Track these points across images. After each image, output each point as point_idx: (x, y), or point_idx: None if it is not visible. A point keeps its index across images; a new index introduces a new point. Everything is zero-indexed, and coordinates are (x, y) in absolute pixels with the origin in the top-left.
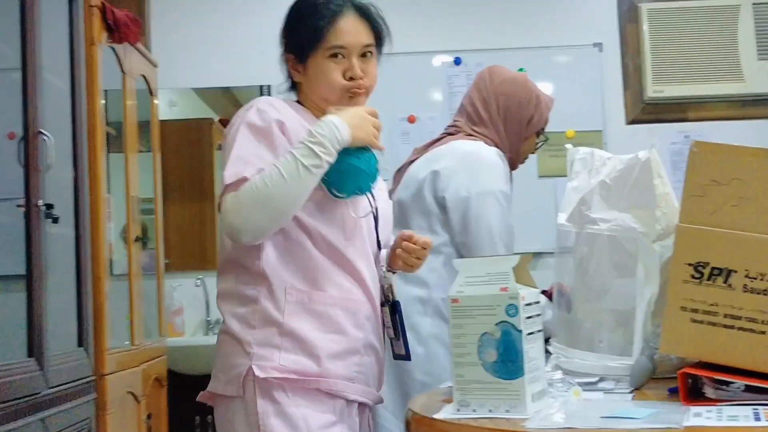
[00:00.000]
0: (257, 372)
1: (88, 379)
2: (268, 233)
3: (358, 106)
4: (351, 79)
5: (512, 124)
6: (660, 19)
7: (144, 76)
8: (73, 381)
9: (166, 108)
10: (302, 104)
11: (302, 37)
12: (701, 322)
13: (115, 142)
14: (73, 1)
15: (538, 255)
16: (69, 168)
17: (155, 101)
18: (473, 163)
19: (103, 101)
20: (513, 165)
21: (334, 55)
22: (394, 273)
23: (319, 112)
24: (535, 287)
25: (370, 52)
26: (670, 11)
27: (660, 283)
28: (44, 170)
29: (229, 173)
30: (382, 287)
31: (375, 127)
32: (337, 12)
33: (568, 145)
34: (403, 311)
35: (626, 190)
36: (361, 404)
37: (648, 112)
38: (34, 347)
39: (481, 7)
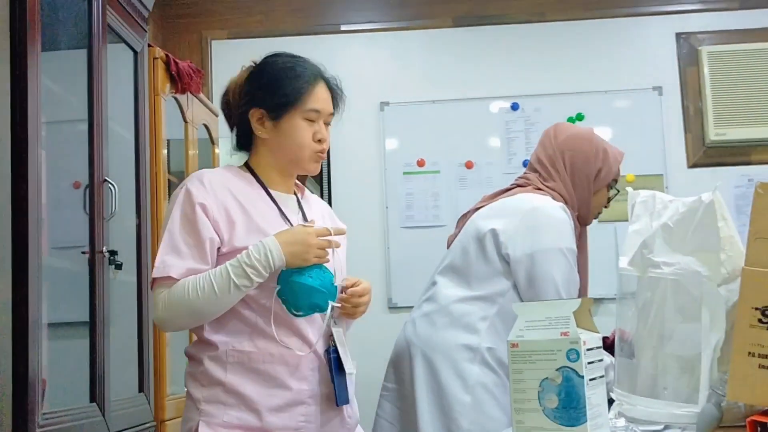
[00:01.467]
0: (203, 429)
1: (148, 425)
2: (190, 328)
3: (307, 230)
4: (319, 141)
5: (580, 178)
6: (720, 62)
7: (206, 125)
8: (134, 427)
9: (227, 156)
10: (251, 166)
11: (281, 95)
12: None
13: None
14: (138, 53)
15: (598, 301)
16: (132, 215)
17: (216, 150)
18: (538, 220)
19: (165, 150)
20: (586, 220)
21: (309, 118)
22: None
23: (275, 173)
24: (598, 333)
25: (330, 122)
26: (730, 54)
27: (726, 328)
28: (108, 218)
29: (158, 264)
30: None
31: (321, 248)
32: (313, 79)
33: (629, 188)
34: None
35: (689, 233)
36: None
37: (710, 155)
38: (96, 393)
39: (539, 51)
